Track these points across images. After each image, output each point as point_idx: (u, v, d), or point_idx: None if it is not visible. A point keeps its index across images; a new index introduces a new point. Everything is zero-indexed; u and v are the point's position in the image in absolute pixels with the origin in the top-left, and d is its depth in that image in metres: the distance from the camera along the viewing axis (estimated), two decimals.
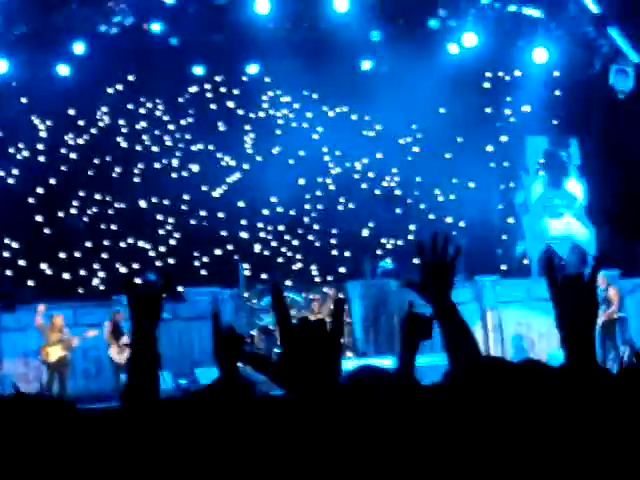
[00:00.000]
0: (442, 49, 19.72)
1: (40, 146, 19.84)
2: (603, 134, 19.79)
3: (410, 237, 20.48)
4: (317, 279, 19.82)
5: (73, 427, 2.12)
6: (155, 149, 20.48)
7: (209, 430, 2.26)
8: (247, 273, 18.52)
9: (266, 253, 20.24)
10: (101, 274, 18.95)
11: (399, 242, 20.49)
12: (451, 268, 3.60)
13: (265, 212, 20.27)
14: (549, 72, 20.29)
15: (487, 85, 21.03)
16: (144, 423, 2.24)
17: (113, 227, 19.54)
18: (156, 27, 18.56)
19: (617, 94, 19.92)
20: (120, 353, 15.35)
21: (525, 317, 18.11)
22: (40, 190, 19.47)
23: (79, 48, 18.48)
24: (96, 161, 19.95)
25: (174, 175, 20.45)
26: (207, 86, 20.68)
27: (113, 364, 15.69)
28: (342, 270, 19.91)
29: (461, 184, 20.89)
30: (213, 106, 20.82)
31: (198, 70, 20.05)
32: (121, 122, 20.29)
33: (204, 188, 20.35)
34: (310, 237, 20.50)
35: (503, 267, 20.43)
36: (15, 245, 18.98)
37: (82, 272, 18.71)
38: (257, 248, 20.25)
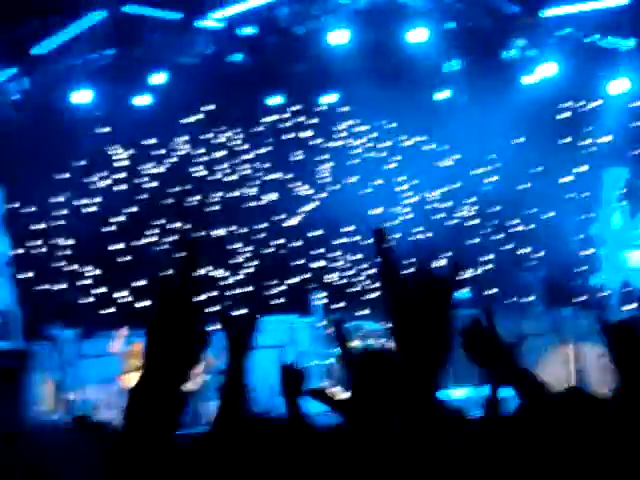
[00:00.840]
0: (521, 78, 19.64)
1: (120, 175, 20.14)
2: None
3: (488, 267, 20.36)
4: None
5: (166, 453, 2.14)
6: (233, 178, 20.66)
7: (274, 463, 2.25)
8: (323, 302, 18.54)
9: (342, 282, 20.26)
10: None
11: (477, 272, 20.37)
12: (493, 338, 3.54)
13: (341, 241, 20.31)
14: (630, 102, 20.09)
15: (566, 115, 20.86)
16: (234, 448, 2.25)
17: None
18: (235, 58, 18.74)
19: None
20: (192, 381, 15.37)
21: (605, 349, 17.85)
22: (120, 218, 19.75)
23: (160, 78, 18.74)
24: (175, 190, 20.19)
25: (251, 204, 20.61)
26: (285, 115, 20.83)
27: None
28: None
29: (539, 214, 20.73)
30: (290, 135, 20.96)
31: (276, 99, 20.18)
32: (200, 151, 20.52)
33: (281, 217, 20.47)
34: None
35: (581, 298, 20.18)
36: (95, 273, 19.25)
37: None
38: (333, 277, 20.28)
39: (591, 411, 2.96)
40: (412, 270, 2.16)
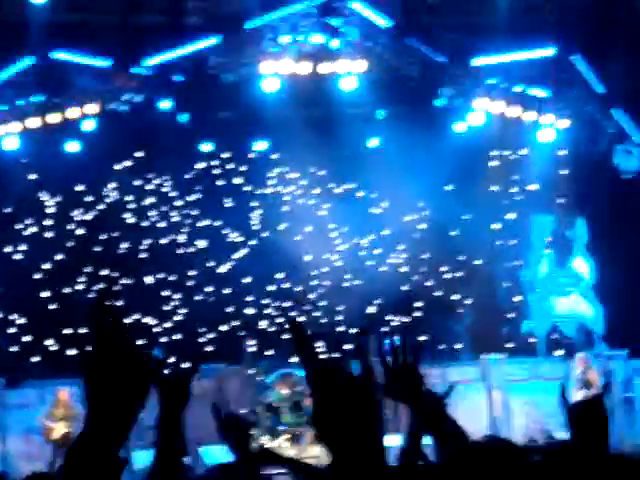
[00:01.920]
0: (448, 128, 19.88)
1: (48, 222, 19.92)
2: (609, 213, 19.81)
3: (417, 314, 20.45)
4: (323, 355, 19.69)
5: None
6: (162, 225, 20.55)
7: None
8: (253, 349, 18.45)
9: (272, 329, 20.19)
10: None
11: (405, 319, 20.43)
12: (413, 369, 3.59)
13: (271, 288, 20.27)
14: (556, 151, 20.43)
15: (493, 163, 21.13)
16: None
17: (119, 303, 19.52)
18: (165, 105, 18.71)
19: (621, 174, 20.02)
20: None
21: (532, 396, 17.99)
22: (47, 266, 19.52)
23: (89, 125, 18.63)
24: (103, 237, 20.02)
25: (181, 251, 20.51)
26: (215, 162, 20.80)
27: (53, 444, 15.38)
28: (348, 347, 19.80)
29: (468, 261, 20.89)
30: (220, 182, 20.93)
31: (206, 147, 20.16)
32: (128, 198, 20.39)
33: (211, 264, 20.39)
34: (316, 314, 20.45)
35: (509, 345, 20.32)
36: (21, 321, 18.97)
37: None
38: (263, 324, 20.21)
39: (510, 460, 2.97)
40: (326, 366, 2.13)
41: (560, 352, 20.12)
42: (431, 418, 3.64)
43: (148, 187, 20.67)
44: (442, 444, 3.45)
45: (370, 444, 1.99)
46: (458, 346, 20.10)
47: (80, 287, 19.66)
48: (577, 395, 15.80)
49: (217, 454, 11.56)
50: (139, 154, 20.32)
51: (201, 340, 19.63)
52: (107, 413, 2.01)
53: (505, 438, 3.52)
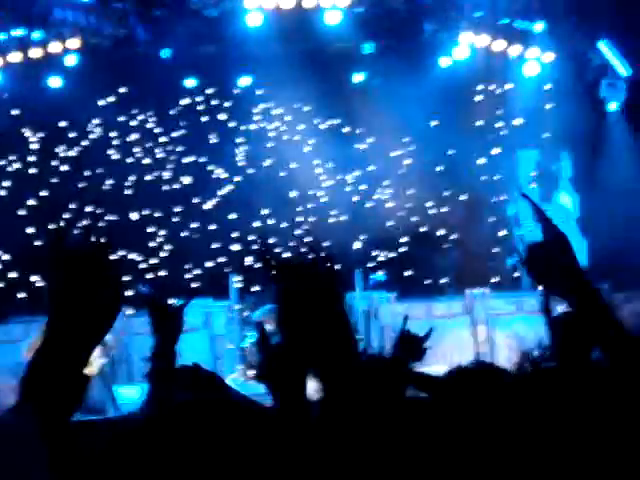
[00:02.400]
0: (433, 62, 19.80)
1: (31, 158, 19.83)
2: (594, 147, 19.84)
3: (402, 249, 20.50)
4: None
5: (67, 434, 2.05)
6: (147, 161, 20.47)
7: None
8: (239, 285, 18.49)
9: (258, 265, 20.20)
10: None
11: (391, 254, 20.49)
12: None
13: (257, 224, 20.27)
14: (541, 85, 20.36)
15: (479, 98, 21.05)
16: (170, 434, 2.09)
17: (104, 239, 19.47)
18: (147, 39, 18.56)
19: (607, 107, 20.05)
20: (89, 365, 15.10)
21: (516, 330, 18.11)
22: (31, 202, 19.47)
23: (71, 60, 18.48)
24: (87, 173, 19.94)
25: (166, 187, 20.46)
26: (199, 98, 20.66)
27: None
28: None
29: (452, 197, 20.91)
30: (205, 118, 20.81)
31: (190, 82, 20.05)
32: (113, 134, 20.28)
33: (196, 200, 20.36)
34: (302, 249, 20.44)
35: (494, 280, 20.43)
36: (6, 257, 18.95)
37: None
38: (249, 260, 20.24)
39: (501, 385, 2.98)
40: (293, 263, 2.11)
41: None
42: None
43: (132, 123, 20.55)
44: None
45: (337, 333, 1.99)
46: (443, 281, 20.19)
47: (64, 223, 19.61)
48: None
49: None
50: (123, 90, 20.17)
51: (187, 276, 19.66)
52: (68, 327, 1.96)
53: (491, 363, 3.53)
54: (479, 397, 2.64)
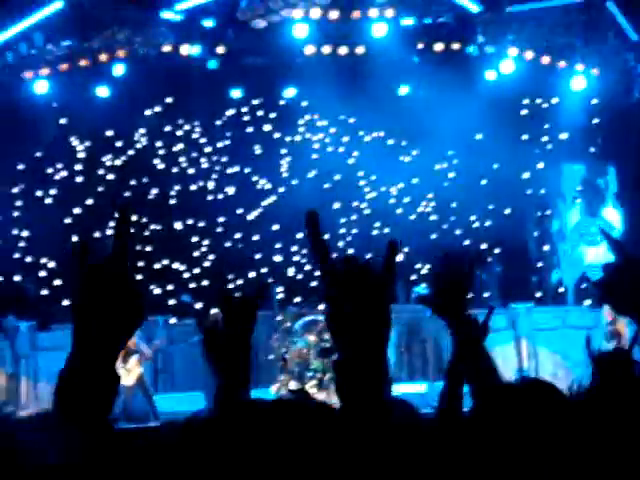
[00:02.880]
0: (480, 75, 19.72)
1: (78, 167, 20.01)
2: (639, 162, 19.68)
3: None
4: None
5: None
6: (191, 171, 20.58)
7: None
8: (281, 296, 18.51)
9: (300, 277, 20.24)
10: None
11: (435, 268, 20.41)
12: (466, 279, 3.45)
13: (299, 236, 20.27)
14: (587, 100, 20.21)
15: (524, 112, 20.94)
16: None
17: (148, 248, 19.62)
18: (195, 50, 18.67)
19: None
20: (127, 375, 15.12)
21: (560, 345, 17.98)
22: (77, 210, 19.63)
23: (119, 70, 18.64)
24: (133, 182, 20.09)
25: (210, 197, 20.55)
26: (244, 109, 20.75)
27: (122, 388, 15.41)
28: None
29: (497, 211, 20.80)
30: (250, 129, 20.88)
31: (236, 93, 20.14)
32: (158, 144, 20.41)
33: (239, 211, 20.41)
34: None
35: (538, 294, 20.30)
36: (51, 265, 19.11)
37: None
38: (291, 271, 20.26)
39: (553, 401, 2.94)
40: (345, 260, 2.08)
41: (589, 301, 20.08)
42: (470, 346, 3.55)
43: (178, 133, 20.67)
44: (476, 382, 3.39)
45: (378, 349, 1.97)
46: (487, 295, 20.08)
47: (110, 232, 19.76)
48: (606, 346, 15.79)
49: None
50: (169, 100, 20.30)
51: (229, 286, 19.70)
52: (94, 334, 2.00)
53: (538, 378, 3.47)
54: (528, 413, 2.61)
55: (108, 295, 2.03)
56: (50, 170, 19.81)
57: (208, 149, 20.75)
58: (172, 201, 20.26)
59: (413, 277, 20.03)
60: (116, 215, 2.12)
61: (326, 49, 19.14)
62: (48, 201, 19.68)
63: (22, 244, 19.35)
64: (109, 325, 2.02)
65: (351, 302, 2.00)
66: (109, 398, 2.01)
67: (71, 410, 1.94)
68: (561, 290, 20.74)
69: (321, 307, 18.67)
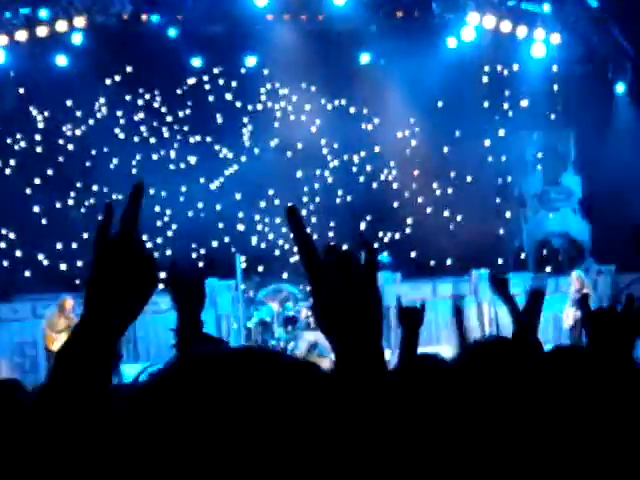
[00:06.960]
0: (441, 43, 19.74)
1: (38, 137, 19.84)
2: (600, 129, 19.79)
3: (407, 230, 20.51)
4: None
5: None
6: (153, 140, 20.46)
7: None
8: (244, 265, 18.51)
9: (263, 245, 20.24)
10: None
11: (396, 235, 20.50)
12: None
13: (262, 204, 20.28)
14: (548, 66, 20.28)
15: (485, 79, 20.99)
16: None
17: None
18: (154, 18, 18.54)
19: (614, 89, 19.99)
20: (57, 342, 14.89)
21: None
22: (37, 181, 19.49)
23: (77, 38, 18.47)
24: (93, 152, 19.94)
25: (172, 167, 20.45)
26: (205, 78, 20.63)
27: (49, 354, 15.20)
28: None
29: (458, 178, 20.88)
30: (211, 98, 20.79)
31: (196, 62, 20.03)
32: (119, 113, 20.26)
33: (202, 180, 20.35)
34: (307, 230, 20.44)
35: (500, 261, 20.43)
36: (12, 235, 18.99)
37: (79, 263, 18.64)
38: (254, 240, 20.26)
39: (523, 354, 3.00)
40: (327, 251, 2.06)
41: (549, 268, 20.26)
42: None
43: (138, 102, 20.53)
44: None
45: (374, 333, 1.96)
46: (449, 262, 20.18)
47: (71, 202, 19.65)
48: (570, 312, 15.96)
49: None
50: (129, 69, 20.14)
51: (192, 256, 19.67)
52: (106, 303, 2.01)
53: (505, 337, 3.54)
54: (503, 368, 2.67)
55: (126, 266, 2.05)
56: (9, 140, 19.62)
57: (169, 118, 20.64)
58: (133, 170, 20.13)
59: (376, 245, 20.08)
60: (132, 190, 2.15)
61: (287, 17, 19.06)
62: (8, 172, 19.51)
63: None
64: (126, 295, 2.03)
65: (341, 291, 1.99)
66: (109, 370, 2.02)
67: (73, 378, 1.94)
68: (522, 256, 20.89)
69: (284, 275, 18.74)
